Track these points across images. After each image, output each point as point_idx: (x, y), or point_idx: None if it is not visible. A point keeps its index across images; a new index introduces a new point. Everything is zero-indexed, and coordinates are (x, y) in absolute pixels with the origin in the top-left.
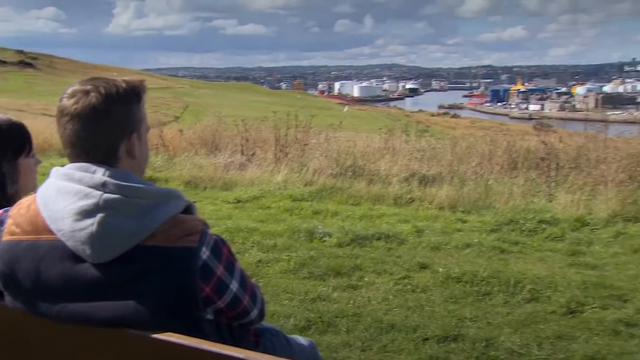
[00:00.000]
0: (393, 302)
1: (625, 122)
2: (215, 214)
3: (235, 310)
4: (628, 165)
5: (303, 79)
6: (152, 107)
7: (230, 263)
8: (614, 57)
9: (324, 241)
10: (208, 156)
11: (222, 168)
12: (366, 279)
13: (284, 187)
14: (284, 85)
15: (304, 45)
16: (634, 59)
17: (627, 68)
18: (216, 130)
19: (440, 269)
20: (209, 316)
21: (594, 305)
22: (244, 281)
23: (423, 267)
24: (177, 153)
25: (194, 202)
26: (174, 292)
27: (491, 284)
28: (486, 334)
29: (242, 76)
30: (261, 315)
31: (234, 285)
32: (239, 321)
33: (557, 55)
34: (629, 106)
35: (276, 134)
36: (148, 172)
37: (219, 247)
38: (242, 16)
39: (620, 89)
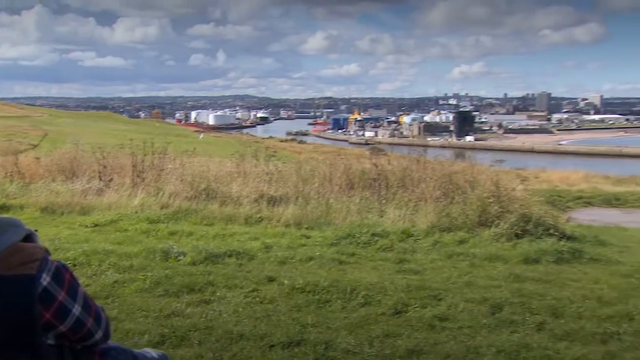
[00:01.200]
0: (243, 313)
1: (442, 146)
2: (72, 238)
3: (78, 333)
4: (442, 183)
5: (161, 109)
6: (7, 136)
7: (72, 288)
8: (431, 92)
9: (179, 260)
10: (65, 182)
11: (80, 194)
12: (218, 294)
13: (141, 211)
14: (143, 114)
15: (161, 77)
16: (445, 94)
17: (441, 102)
18: (74, 157)
19: (286, 281)
20: (50, 341)
21: (416, 305)
22: (87, 304)
23: (270, 280)
24: (34, 180)
25: (36, 230)
26: (12, 320)
27: (330, 292)
28: (326, 337)
29: (101, 106)
30: (106, 335)
31: (77, 309)
32: (83, 343)
33: (386, 89)
34: (444, 133)
35: (133, 160)
36: (0, 200)
37: (61, 273)
38: (101, 49)
39: (437, 119)
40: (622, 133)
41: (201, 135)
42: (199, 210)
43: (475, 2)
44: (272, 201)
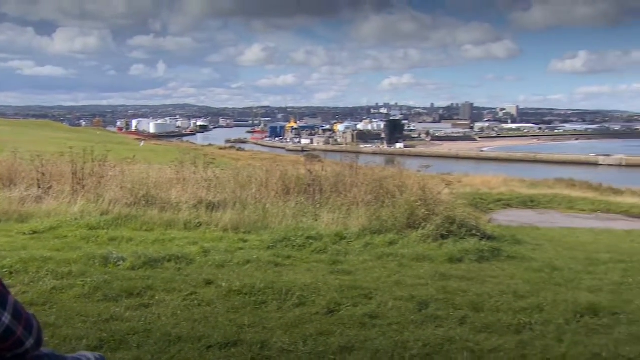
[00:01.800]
0: (181, 316)
1: (374, 153)
2: (9, 245)
3: (8, 342)
4: (373, 188)
5: (102, 117)
6: None
7: (2, 296)
8: (363, 101)
9: (119, 265)
10: (2, 190)
11: (18, 201)
12: (157, 298)
13: (80, 217)
14: (84, 122)
15: (102, 86)
16: (377, 103)
17: (373, 111)
18: (12, 165)
19: (224, 284)
20: None
21: (348, 304)
22: (17, 312)
23: (208, 283)
24: None
25: None
26: None
27: (267, 294)
28: (262, 337)
29: (41, 114)
30: (38, 343)
31: (6, 318)
32: (14, 352)
33: (322, 99)
34: (375, 140)
35: (73, 167)
36: None
37: None
38: (40, 58)
39: (369, 127)
40: (535, 141)
41: (142, 143)
42: (139, 217)
43: (404, 18)
44: (211, 207)
